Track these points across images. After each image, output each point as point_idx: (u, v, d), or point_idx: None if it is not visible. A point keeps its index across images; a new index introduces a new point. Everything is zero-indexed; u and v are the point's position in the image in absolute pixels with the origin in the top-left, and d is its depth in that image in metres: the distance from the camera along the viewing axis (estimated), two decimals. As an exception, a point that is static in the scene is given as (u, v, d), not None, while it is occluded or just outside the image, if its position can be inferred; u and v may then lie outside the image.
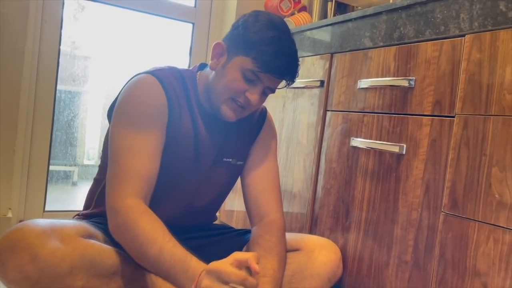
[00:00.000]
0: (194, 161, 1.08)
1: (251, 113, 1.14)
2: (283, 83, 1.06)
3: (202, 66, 1.13)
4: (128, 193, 0.91)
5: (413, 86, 1.08)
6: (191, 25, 2.08)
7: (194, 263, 0.83)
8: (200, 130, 1.07)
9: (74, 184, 2.32)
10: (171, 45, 2.14)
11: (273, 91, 1.05)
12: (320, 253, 1.14)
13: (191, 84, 1.08)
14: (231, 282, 0.76)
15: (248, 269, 0.79)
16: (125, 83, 1.05)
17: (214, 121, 1.08)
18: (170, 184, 1.06)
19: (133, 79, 1.03)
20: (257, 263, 0.78)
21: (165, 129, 1.01)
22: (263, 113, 1.23)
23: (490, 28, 0.92)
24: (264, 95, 1.04)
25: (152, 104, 0.99)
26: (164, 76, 1.02)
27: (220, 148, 1.12)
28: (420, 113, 1.06)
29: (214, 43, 1.04)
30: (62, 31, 1.75)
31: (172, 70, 1.07)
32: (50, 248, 0.80)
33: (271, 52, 0.97)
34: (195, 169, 1.08)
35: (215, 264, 0.79)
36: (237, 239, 1.19)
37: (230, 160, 1.14)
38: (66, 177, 2.22)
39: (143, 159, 0.95)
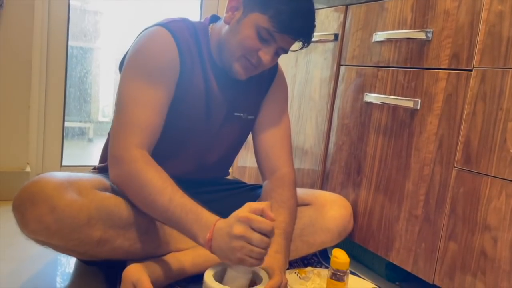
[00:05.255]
0: (206, 116, 1.08)
1: None
2: (297, 45, 1.03)
3: (214, 19, 1.10)
4: (134, 144, 0.92)
5: (430, 38, 1.05)
6: (202, -23, 2.01)
7: (206, 213, 0.85)
8: (212, 85, 1.06)
9: (90, 140, 2.36)
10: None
11: (285, 52, 1.03)
12: (331, 208, 1.16)
13: (204, 37, 1.06)
14: (261, 230, 0.78)
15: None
16: (137, 35, 1.04)
17: (225, 75, 1.07)
18: (182, 140, 1.06)
19: (145, 31, 1.02)
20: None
21: (175, 84, 1.01)
22: (274, 67, 1.20)
23: (514, -25, 0.88)
24: (276, 55, 1.02)
25: (164, 58, 0.98)
26: (177, 29, 1.00)
27: (231, 103, 1.11)
28: (437, 67, 1.03)
29: None
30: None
31: (185, 22, 1.05)
32: (68, 200, 0.82)
33: (289, 11, 0.94)
34: (207, 124, 1.09)
35: (243, 213, 0.80)
36: (248, 193, 1.21)
37: (241, 114, 1.14)
38: (81, 133, 2.26)
39: (149, 112, 0.95)
